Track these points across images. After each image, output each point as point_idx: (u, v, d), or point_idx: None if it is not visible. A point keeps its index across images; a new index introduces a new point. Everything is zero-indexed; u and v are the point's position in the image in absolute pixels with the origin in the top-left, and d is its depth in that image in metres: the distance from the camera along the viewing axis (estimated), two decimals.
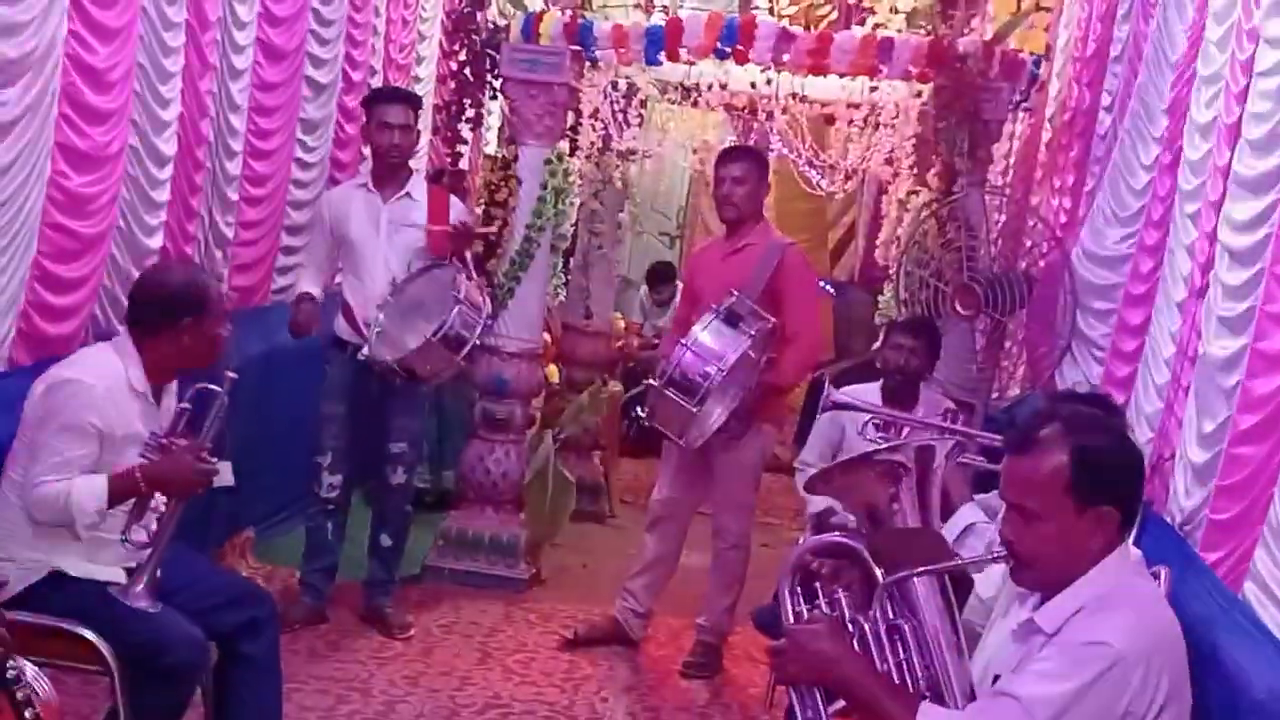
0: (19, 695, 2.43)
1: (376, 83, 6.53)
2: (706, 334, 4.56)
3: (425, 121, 6.88)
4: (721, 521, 5.03)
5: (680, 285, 8.01)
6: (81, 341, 4.16)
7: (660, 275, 9.38)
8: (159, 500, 3.23)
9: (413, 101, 5.11)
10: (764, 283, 4.77)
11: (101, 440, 3.19)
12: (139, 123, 4.42)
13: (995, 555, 2.43)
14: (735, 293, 4.64)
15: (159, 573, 3.18)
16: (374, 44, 6.56)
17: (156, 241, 4.65)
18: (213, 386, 3.27)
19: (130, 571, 3.19)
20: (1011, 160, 6.94)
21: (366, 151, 5.42)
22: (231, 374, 3.28)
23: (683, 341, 4.58)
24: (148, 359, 3.30)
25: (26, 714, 2.43)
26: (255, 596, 3.54)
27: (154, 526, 3.20)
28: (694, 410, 4.50)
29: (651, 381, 4.67)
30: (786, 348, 4.81)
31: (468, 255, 5.00)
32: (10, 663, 2.43)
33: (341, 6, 6.05)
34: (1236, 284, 3.44)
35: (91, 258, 4.26)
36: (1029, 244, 5.85)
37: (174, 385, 3.43)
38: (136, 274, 3.95)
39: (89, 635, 3.10)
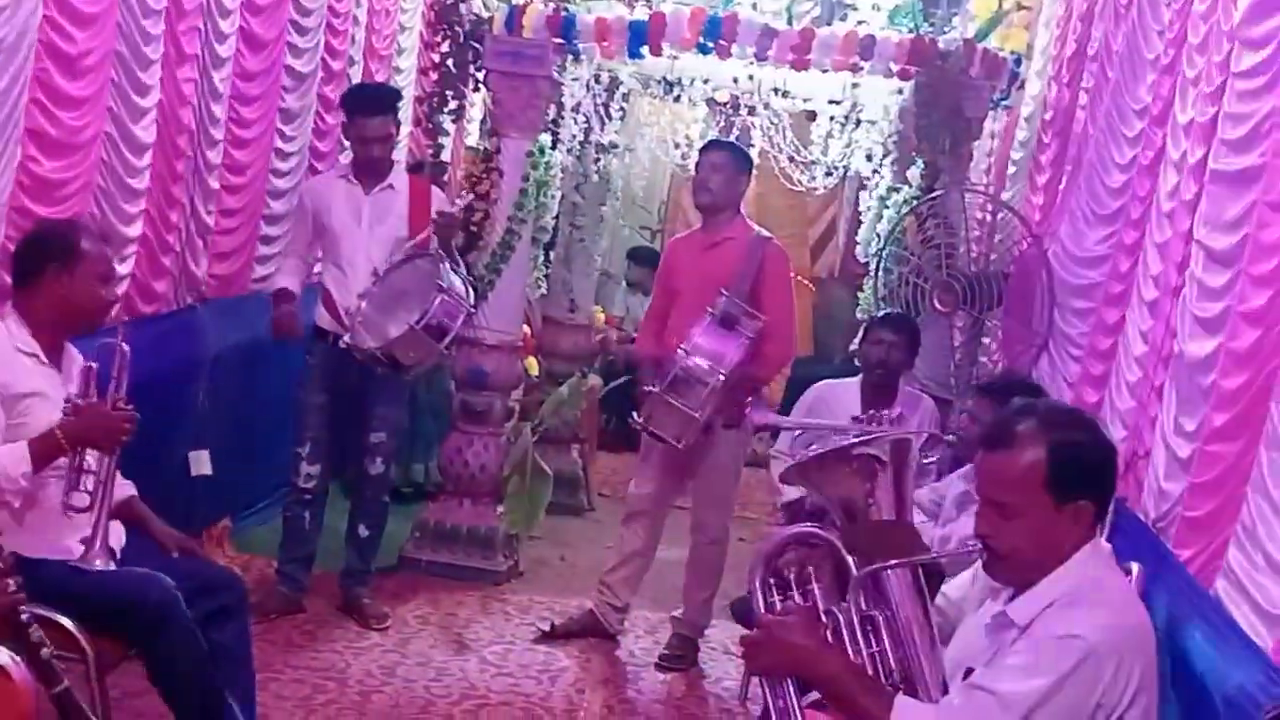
0: (33, 637, 2.53)
1: (357, 73, 6.50)
2: (705, 339, 4.61)
3: (406, 113, 6.86)
4: (701, 516, 5.04)
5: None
6: None
7: (642, 257, 9.26)
8: (91, 462, 3.23)
9: (390, 106, 5.01)
10: (750, 280, 4.79)
11: (2, 401, 3.17)
12: (115, 110, 4.39)
13: (969, 550, 2.44)
14: (725, 293, 4.66)
15: (121, 546, 3.26)
16: (355, 34, 6.53)
17: (135, 229, 4.61)
18: (110, 340, 3.29)
19: (85, 542, 3.22)
20: (992, 159, 6.96)
21: (346, 142, 5.39)
22: (124, 318, 3.28)
23: (683, 347, 4.61)
24: (28, 316, 3.28)
25: (43, 653, 2.55)
26: (225, 583, 3.52)
27: (92, 488, 3.23)
28: (696, 415, 4.55)
29: (651, 388, 4.69)
30: (765, 343, 4.83)
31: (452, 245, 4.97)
32: (21, 608, 2.53)
33: None
34: (1214, 284, 3.46)
35: None
36: (1007, 241, 5.87)
37: (76, 353, 3.41)
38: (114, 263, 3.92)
39: (62, 620, 3.07)
